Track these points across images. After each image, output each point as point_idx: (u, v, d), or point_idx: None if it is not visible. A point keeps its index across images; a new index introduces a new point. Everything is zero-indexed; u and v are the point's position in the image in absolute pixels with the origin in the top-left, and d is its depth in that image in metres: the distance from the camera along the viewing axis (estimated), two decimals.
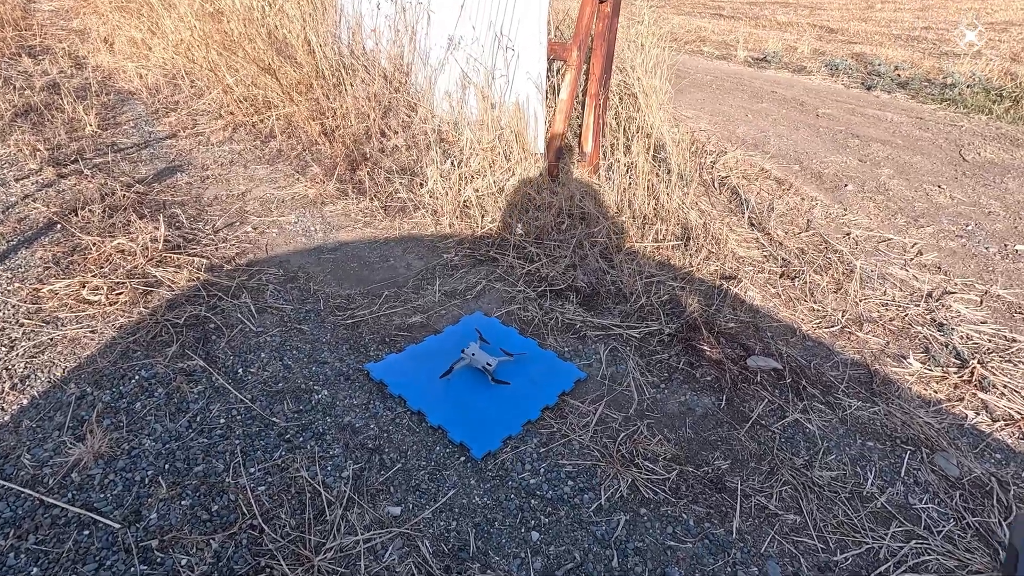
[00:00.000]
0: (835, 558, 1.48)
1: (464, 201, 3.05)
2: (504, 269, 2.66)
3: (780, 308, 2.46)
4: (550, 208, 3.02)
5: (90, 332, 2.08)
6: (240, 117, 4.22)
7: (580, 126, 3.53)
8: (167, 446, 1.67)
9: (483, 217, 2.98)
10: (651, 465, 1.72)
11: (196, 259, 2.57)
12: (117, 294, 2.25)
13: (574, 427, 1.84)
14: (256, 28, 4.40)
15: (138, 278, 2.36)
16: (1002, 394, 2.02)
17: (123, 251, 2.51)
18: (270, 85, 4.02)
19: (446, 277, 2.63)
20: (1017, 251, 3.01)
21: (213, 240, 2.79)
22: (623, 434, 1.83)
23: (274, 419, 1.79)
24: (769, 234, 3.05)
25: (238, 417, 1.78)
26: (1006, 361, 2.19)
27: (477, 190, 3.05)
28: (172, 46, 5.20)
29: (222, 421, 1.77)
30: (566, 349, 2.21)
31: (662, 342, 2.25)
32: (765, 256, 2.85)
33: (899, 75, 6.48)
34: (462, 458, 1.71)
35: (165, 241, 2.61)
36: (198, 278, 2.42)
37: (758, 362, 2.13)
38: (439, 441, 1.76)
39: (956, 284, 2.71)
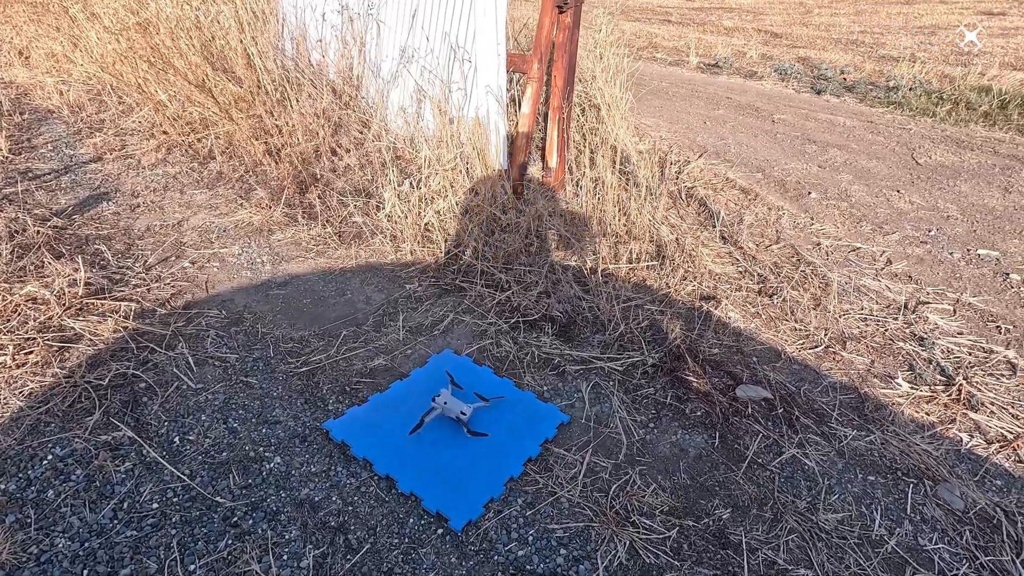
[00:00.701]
0: None
1: (425, 224, 2.85)
2: (472, 299, 2.47)
3: (762, 329, 2.37)
4: (517, 229, 2.85)
5: None
6: (175, 136, 3.88)
7: (543, 140, 3.39)
8: (86, 545, 1.40)
9: (446, 241, 2.78)
10: (648, 522, 1.56)
11: (124, 304, 2.27)
12: (26, 353, 1.94)
13: (561, 481, 1.68)
14: (189, 40, 4.06)
15: (52, 332, 2.06)
16: (991, 412, 1.97)
17: (34, 300, 2.19)
18: (207, 102, 3.70)
19: (410, 311, 2.42)
20: (979, 256, 3.04)
21: (144, 280, 2.49)
22: (615, 485, 1.67)
23: (218, 498, 1.54)
24: (742, 248, 2.97)
25: (174, 500, 1.53)
26: (988, 375, 2.16)
27: (439, 212, 2.85)
28: (97, 60, 4.78)
29: (155, 506, 1.51)
30: (545, 388, 2.04)
31: (646, 374, 2.11)
32: (740, 272, 2.77)
33: (845, 79, 6.65)
34: (439, 530, 1.51)
35: (86, 284, 2.30)
36: (125, 327, 2.14)
37: (748, 392, 2.01)
38: (412, 511, 1.56)
39: (928, 293, 2.69)
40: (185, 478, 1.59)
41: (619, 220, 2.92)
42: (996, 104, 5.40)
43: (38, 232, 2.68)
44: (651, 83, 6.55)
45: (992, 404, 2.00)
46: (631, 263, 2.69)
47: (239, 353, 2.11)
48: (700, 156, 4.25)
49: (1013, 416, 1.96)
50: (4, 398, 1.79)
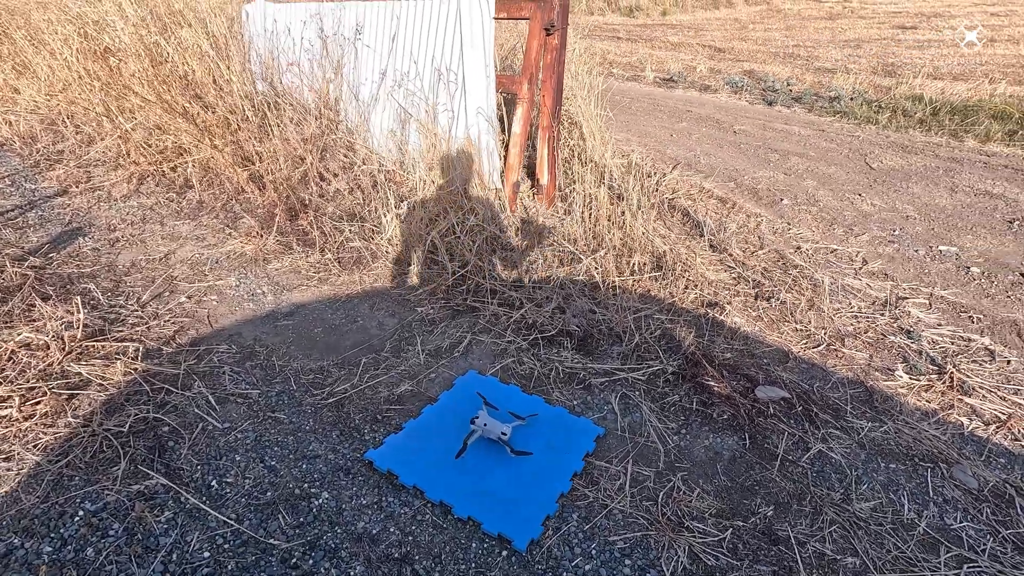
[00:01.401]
0: None
1: (430, 246, 2.85)
2: (488, 319, 2.49)
3: (766, 332, 2.49)
4: (520, 247, 2.90)
5: (2, 460, 1.66)
6: (145, 166, 3.73)
7: (533, 159, 3.45)
8: None
9: (452, 262, 2.79)
10: (701, 526, 1.62)
11: (127, 344, 2.16)
12: (33, 404, 1.82)
13: (610, 493, 1.71)
14: (154, 68, 3.92)
15: (57, 379, 1.94)
16: (983, 396, 2.14)
17: (29, 346, 2.06)
18: (182, 128, 3.58)
19: (426, 334, 2.41)
20: (942, 252, 3.30)
21: (142, 318, 2.38)
22: (661, 493, 1.72)
23: (272, 540, 1.49)
24: (731, 255, 3.12)
25: (225, 546, 1.47)
26: (973, 362, 2.35)
27: (442, 233, 2.86)
28: (46, 87, 4.54)
29: (206, 555, 1.45)
30: (575, 402, 2.07)
31: (668, 382, 2.18)
32: (735, 278, 2.90)
33: (791, 90, 7.08)
34: (504, 552, 1.51)
35: (83, 327, 2.18)
36: (135, 369, 2.04)
37: (767, 393, 2.11)
38: (473, 535, 1.55)
39: (904, 289, 2.90)
40: (232, 522, 1.53)
41: (614, 234, 3.01)
42: (929, 111, 5.87)
43: (16, 272, 2.52)
44: (614, 98, 6.77)
45: (982, 388, 2.18)
46: (634, 275, 2.77)
47: (260, 388, 2.05)
48: (674, 168, 4.43)
49: (1002, 398, 2.14)
50: (17, 453, 1.67)
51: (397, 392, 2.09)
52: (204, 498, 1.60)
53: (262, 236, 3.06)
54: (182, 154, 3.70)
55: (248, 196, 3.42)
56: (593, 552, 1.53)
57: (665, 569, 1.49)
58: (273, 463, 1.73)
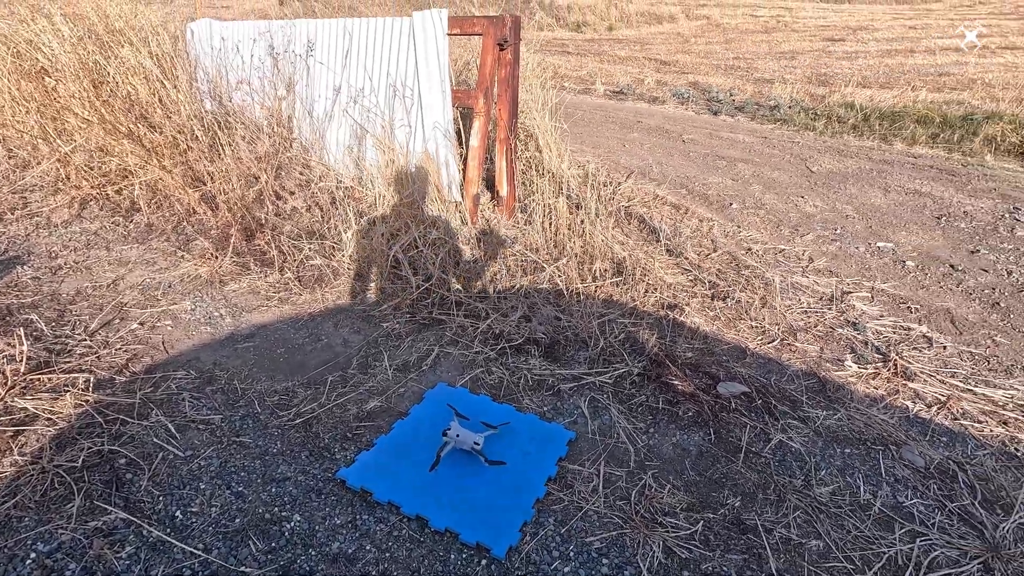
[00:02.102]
0: None
1: (391, 260, 2.83)
2: (455, 331, 2.49)
3: (724, 330, 2.59)
4: (483, 259, 2.92)
5: None
6: (88, 189, 3.58)
7: (492, 172, 3.50)
8: None
9: (415, 276, 2.79)
10: (673, 520, 1.66)
11: (76, 376, 2.06)
12: None
13: (584, 495, 1.74)
14: (95, 88, 3.78)
15: (0, 416, 1.83)
16: (925, 381, 2.29)
17: None
18: (127, 149, 3.46)
19: (393, 349, 2.40)
20: (880, 248, 3.51)
21: (91, 347, 2.28)
22: (634, 491, 1.76)
23: (244, 568, 1.45)
24: (687, 258, 3.23)
25: None
26: (913, 349, 2.50)
27: (404, 247, 2.85)
28: None
29: None
30: (545, 408, 2.10)
31: (634, 383, 2.23)
32: (692, 280, 3.00)
33: (734, 100, 7.41)
34: (483, 561, 1.51)
35: (27, 359, 2.07)
36: (87, 401, 1.94)
37: (728, 388, 2.19)
38: (451, 546, 1.55)
39: (848, 284, 3.07)
40: (200, 552, 1.48)
41: (575, 241, 3.07)
42: (860, 117, 6.26)
43: None
44: (567, 110, 6.92)
45: (923, 373, 2.33)
46: (596, 281, 2.83)
47: (223, 413, 1.98)
48: (629, 177, 4.56)
49: (941, 381, 2.29)
50: None
51: (366, 409, 2.07)
52: (168, 529, 1.54)
53: (217, 258, 2.98)
54: (128, 176, 3.57)
55: (200, 217, 3.33)
56: (571, 554, 1.55)
57: (641, 565, 1.52)
58: (240, 489, 1.68)
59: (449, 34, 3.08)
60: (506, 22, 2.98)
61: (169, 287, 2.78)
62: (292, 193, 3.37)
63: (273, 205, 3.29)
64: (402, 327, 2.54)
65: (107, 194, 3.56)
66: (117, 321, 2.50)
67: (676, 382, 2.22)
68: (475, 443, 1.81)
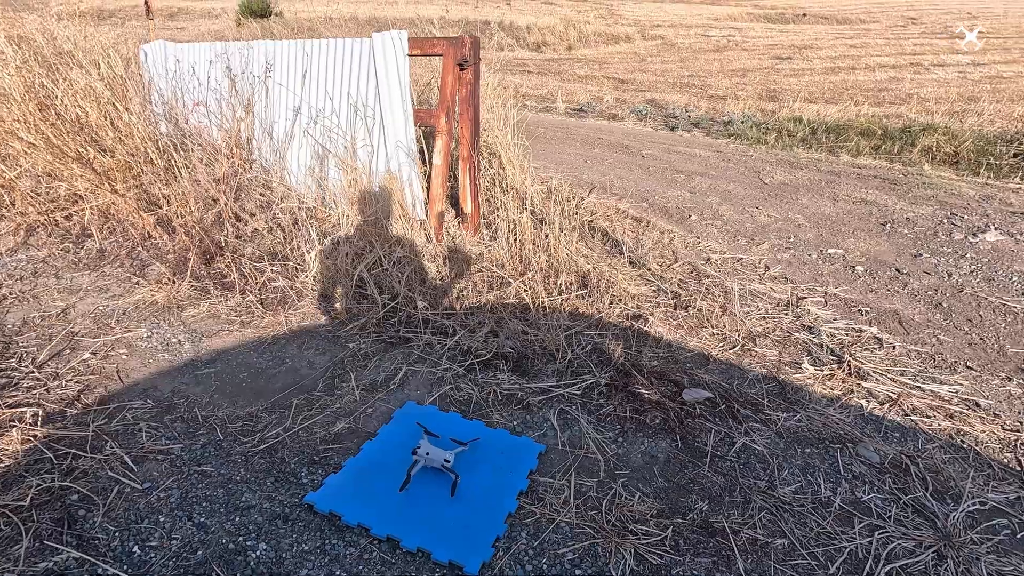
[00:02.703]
0: (831, 572, 1.57)
1: (356, 280, 2.81)
2: (422, 349, 2.48)
3: (687, 338, 2.65)
4: (449, 276, 2.93)
5: None
6: (35, 216, 3.44)
7: (456, 189, 3.52)
8: None
9: (381, 294, 2.77)
10: (644, 527, 1.68)
11: (22, 410, 1.97)
12: None
13: (556, 507, 1.74)
14: (40, 110, 3.65)
15: None
16: (877, 380, 2.39)
17: None
18: (77, 174, 3.35)
19: (360, 369, 2.37)
20: (831, 255, 3.66)
21: (39, 379, 2.18)
22: (604, 501, 1.77)
23: None
24: (649, 269, 3.31)
25: None
26: (865, 350, 2.62)
27: (369, 266, 2.84)
28: None
29: None
30: (515, 422, 2.11)
31: (602, 393, 2.26)
32: (655, 291, 3.07)
33: (690, 116, 7.67)
34: None
35: None
36: (34, 436, 1.85)
37: (692, 395, 2.25)
38: (423, 567, 1.53)
39: (803, 290, 3.19)
40: None
41: (540, 256, 3.11)
42: (809, 131, 6.56)
43: None
44: (529, 128, 7.03)
45: (875, 372, 2.43)
46: (562, 294, 2.87)
47: (182, 442, 1.92)
48: (591, 192, 4.65)
49: (892, 380, 2.39)
50: None
51: (334, 431, 2.03)
52: (125, 566, 1.47)
53: (175, 282, 2.90)
54: (78, 201, 3.45)
55: (156, 242, 3.24)
56: (544, 567, 1.55)
57: (614, 573, 1.53)
58: (202, 519, 1.63)
59: (410, 55, 3.11)
60: (465, 43, 3.03)
61: (123, 314, 2.69)
62: (253, 215, 3.31)
63: (233, 227, 3.23)
64: (369, 346, 2.51)
65: (56, 220, 3.43)
66: (68, 351, 2.40)
67: (643, 391, 2.26)
68: (445, 460, 1.81)
